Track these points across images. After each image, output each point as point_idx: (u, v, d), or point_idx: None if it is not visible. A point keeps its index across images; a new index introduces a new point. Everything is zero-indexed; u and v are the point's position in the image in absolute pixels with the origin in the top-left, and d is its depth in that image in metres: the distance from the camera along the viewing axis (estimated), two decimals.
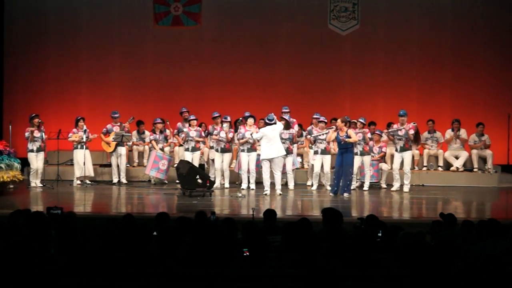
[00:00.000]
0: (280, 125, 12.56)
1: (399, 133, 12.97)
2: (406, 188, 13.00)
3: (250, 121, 13.22)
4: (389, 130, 13.41)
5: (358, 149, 13.11)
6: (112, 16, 16.36)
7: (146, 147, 14.61)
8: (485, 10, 15.80)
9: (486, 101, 15.71)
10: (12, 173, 12.35)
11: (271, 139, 12.32)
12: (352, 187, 12.92)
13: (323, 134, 12.97)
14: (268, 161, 12.47)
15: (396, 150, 13.10)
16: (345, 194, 12.20)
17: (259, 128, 13.50)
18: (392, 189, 13.18)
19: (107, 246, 5.51)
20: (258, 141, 12.65)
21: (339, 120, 12.50)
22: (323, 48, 16.07)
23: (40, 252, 5.21)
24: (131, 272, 5.03)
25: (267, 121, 12.44)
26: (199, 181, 12.03)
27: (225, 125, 13.41)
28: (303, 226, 6.37)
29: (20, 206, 10.16)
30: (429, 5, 15.94)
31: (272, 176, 12.66)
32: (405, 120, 13.01)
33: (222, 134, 13.41)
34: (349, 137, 12.29)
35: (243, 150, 13.10)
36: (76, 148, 13.58)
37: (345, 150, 12.29)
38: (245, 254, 5.71)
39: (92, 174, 13.84)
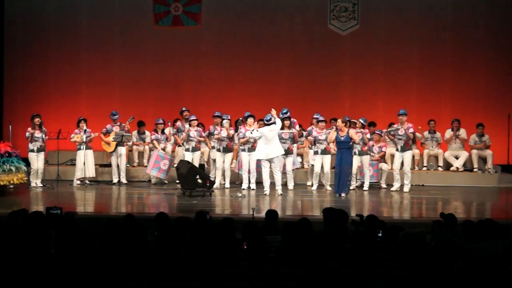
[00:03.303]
0: (278, 124, 12.52)
1: (399, 132, 12.97)
2: (406, 188, 12.99)
3: (250, 120, 13.23)
4: (388, 130, 13.41)
5: (357, 148, 13.11)
6: (112, 16, 16.36)
7: (146, 147, 14.62)
8: (485, 9, 15.80)
9: (486, 101, 15.71)
10: (20, 175, 12.39)
11: (269, 139, 12.32)
12: (352, 187, 12.93)
13: (323, 134, 12.96)
14: (268, 161, 12.48)
15: (397, 150, 13.10)
16: (342, 194, 12.19)
17: (259, 128, 13.52)
18: (392, 189, 13.16)
19: (107, 246, 5.51)
20: (257, 139, 12.61)
21: (339, 120, 12.49)
22: (323, 48, 16.06)
23: (40, 252, 5.21)
24: (131, 272, 5.03)
25: (265, 121, 12.46)
26: (199, 181, 12.03)
27: (225, 121, 13.41)
28: (303, 226, 6.37)
29: (21, 206, 10.14)
30: (429, 5, 15.94)
31: (271, 176, 12.67)
32: (404, 119, 13.01)
33: (223, 133, 13.41)
34: (351, 137, 12.30)
35: (243, 150, 13.12)
36: (80, 149, 13.58)
37: (345, 150, 12.28)
38: (244, 247, 5.72)
39: (94, 175, 13.83)
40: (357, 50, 16.05)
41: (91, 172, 13.71)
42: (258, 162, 13.39)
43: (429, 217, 9.87)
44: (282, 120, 12.84)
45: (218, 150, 13.57)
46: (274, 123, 12.46)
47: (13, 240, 5.43)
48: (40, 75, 16.28)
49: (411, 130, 12.97)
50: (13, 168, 12.17)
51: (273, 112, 12.53)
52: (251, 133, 12.83)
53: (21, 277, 4.68)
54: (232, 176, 13.73)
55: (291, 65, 16.09)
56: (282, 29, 16.13)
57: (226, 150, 13.55)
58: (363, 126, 13.29)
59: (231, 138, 13.65)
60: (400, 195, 12.77)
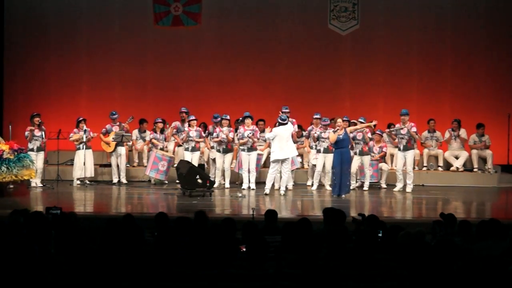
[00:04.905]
0: (291, 125, 12.53)
1: (402, 132, 12.93)
2: (408, 188, 12.96)
3: (248, 121, 13.22)
4: (391, 129, 13.38)
5: (357, 148, 13.11)
6: (112, 16, 16.36)
7: (145, 147, 14.59)
8: (485, 10, 15.80)
9: (486, 101, 15.71)
10: (33, 170, 12.44)
11: (283, 139, 12.29)
12: (352, 187, 12.92)
13: (326, 133, 12.90)
14: (280, 161, 12.42)
15: (399, 149, 13.07)
16: (343, 195, 12.16)
17: (258, 128, 13.52)
18: (395, 189, 13.09)
19: (107, 246, 5.51)
20: (270, 140, 12.57)
21: (339, 120, 12.42)
22: (323, 48, 16.06)
23: (40, 252, 5.21)
24: (131, 272, 5.02)
25: (280, 121, 12.41)
26: (199, 181, 12.03)
27: (225, 128, 13.40)
28: (303, 226, 6.37)
29: (21, 206, 10.13)
30: (429, 5, 15.94)
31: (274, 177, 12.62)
32: (406, 119, 12.97)
33: (222, 135, 13.40)
34: (349, 134, 12.29)
35: (243, 150, 13.11)
36: (79, 148, 13.57)
37: (344, 149, 12.23)
38: (242, 250, 5.72)
39: (92, 175, 13.82)
40: (357, 50, 16.04)
41: (90, 172, 13.69)
42: (258, 162, 13.39)
43: (429, 217, 9.87)
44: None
45: (218, 150, 13.56)
46: (287, 123, 12.44)
47: (13, 239, 5.43)
48: (40, 75, 16.27)
49: (414, 129, 12.93)
50: (30, 163, 12.21)
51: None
52: (249, 135, 12.85)
53: (21, 277, 4.68)
54: (232, 176, 13.72)
55: (291, 65, 16.08)
56: (282, 29, 16.13)
57: (226, 150, 13.53)
58: None
59: (232, 139, 13.67)
60: (402, 195, 12.76)
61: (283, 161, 12.39)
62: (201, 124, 14.27)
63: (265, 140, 13.28)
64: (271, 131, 12.56)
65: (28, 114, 13.92)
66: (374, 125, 13.14)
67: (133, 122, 14.20)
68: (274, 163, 12.42)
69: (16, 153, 12.04)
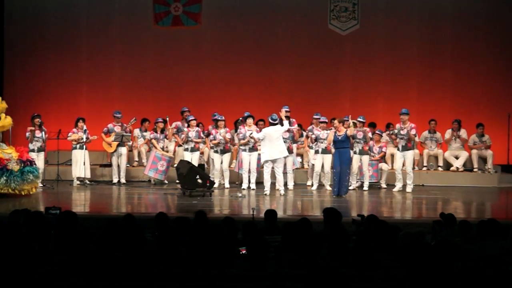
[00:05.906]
0: (286, 126, 12.48)
1: (401, 132, 12.92)
2: (409, 189, 12.95)
3: (249, 121, 13.22)
4: (390, 131, 13.37)
5: (357, 147, 13.10)
6: (112, 16, 16.37)
7: (145, 146, 14.57)
8: (485, 10, 15.80)
9: (486, 101, 15.71)
10: (37, 184, 12.35)
11: (273, 139, 12.27)
12: (352, 187, 12.91)
13: (324, 133, 12.92)
14: (271, 161, 12.42)
15: (398, 149, 13.06)
16: (343, 195, 12.15)
17: (258, 128, 13.50)
18: (394, 189, 13.07)
19: (107, 246, 5.51)
20: (260, 140, 12.57)
21: (336, 121, 12.43)
22: (323, 48, 16.06)
23: (40, 252, 5.21)
24: (131, 272, 5.02)
25: (270, 121, 12.40)
26: (199, 181, 12.03)
27: (222, 130, 13.41)
28: (303, 226, 6.37)
29: (21, 206, 10.13)
30: (429, 5, 15.94)
31: (273, 176, 12.63)
32: (406, 118, 12.95)
33: (218, 136, 13.41)
34: (349, 136, 12.26)
35: (244, 150, 13.11)
36: (75, 148, 13.58)
37: (342, 149, 12.21)
38: (241, 252, 5.72)
39: (89, 176, 13.77)
40: (357, 50, 16.04)
41: (87, 173, 13.65)
42: (259, 162, 13.38)
43: (429, 217, 9.86)
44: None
45: (215, 151, 13.58)
46: (278, 123, 12.40)
47: (13, 239, 5.43)
48: (40, 75, 16.28)
49: (414, 131, 12.90)
50: (33, 178, 12.06)
51: (283, 112, 12.45)
52: (250, 135, 12.82)
53: (21, 277, 4.68)
54: (232, 176, 13.72)
55: (291, 65, 16.08)
56: (282, 29, 16.13)
57: (224, 151, 13.55)
58: (363, 124, 13.27)
59: (231, 139, 13.68)
60: (402, 195, 12.75)
61: (274, 161, 12.37)
62: (199, 124, 14.26)
63: None
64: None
65: (28, 114, 13.93)
66: (354, 123, 12.88)
67: (133, 124, 14.21)
68: (266, 163, 12.40)
69: (22, 165, 11.88)
